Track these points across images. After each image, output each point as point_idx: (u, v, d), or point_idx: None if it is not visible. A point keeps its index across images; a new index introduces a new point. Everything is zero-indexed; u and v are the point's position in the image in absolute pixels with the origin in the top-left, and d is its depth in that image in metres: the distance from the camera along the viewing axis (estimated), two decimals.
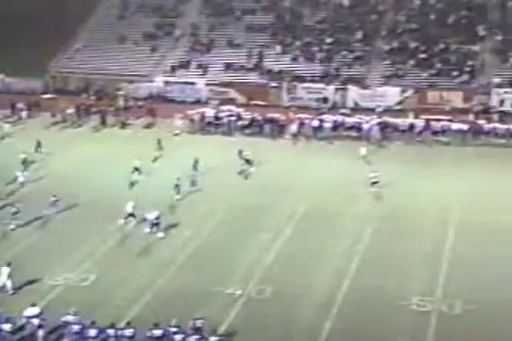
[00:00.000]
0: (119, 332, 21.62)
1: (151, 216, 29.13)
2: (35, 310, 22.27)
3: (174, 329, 21.65)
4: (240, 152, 37.17)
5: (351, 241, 29.18)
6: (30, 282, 25.19)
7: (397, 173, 35.66)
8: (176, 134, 43.74)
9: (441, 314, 23.68)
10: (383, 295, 24.77)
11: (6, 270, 24.56)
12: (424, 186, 34.77)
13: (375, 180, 33.52)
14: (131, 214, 29.68)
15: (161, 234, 29.12)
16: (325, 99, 47.42)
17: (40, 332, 21.94)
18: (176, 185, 32.82)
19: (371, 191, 33.44)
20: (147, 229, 29.06)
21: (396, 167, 37.17)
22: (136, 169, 35.47)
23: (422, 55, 49.24)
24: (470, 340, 22.29)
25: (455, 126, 42.43)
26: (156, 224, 29.01)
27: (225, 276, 26.27)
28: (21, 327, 22.05)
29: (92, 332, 21.53)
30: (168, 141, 41.02)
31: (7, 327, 21.56)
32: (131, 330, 21.68)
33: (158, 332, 21.61)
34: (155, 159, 38.27)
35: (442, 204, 32.60)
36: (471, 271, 26.33)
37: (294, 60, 50.82)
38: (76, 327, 21.72)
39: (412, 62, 49.05)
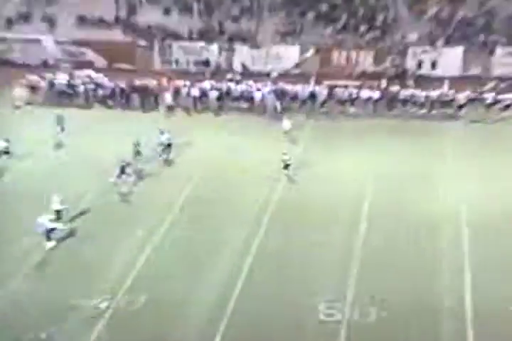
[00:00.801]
0: None
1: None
2: None
3: None
4: (162, 132, 36.39)
5: (245, 235, 29.44)
6: None
7: (300, 153, 35.92)
8: (17, 107, 42.95)
9: (352, 323, 24.37)
10: (283, 303, 25.18)
11: None
12: (332, 168, 35.17)
13: (288, 162, 33.90)
14: (58, 211, 29.39)
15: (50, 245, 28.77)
16: (206, 62, 47.41)
17: None
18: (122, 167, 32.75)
19: (285, 174, 33.91)
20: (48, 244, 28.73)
21: (299, 145, 37.60)
22: (6, 152, 35.09)
23: (324, 7, 49.87)
24: None
25: (365, 93, 42.75)
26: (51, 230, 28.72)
27: (88, 286, 26.22)
28: None
29: None
30: (10, 116, 40.69)
31: None
32: None
33: None
34: (58, 143, 37.80)
35: (353, 189, 33.10)
36: (386, 269, 27.12)
37: (167, 12, 50.52)
38: None
39: (311, 14, 49.57)
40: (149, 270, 27.32)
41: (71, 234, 29.43)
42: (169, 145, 36.03)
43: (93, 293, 25.80)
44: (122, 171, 32.56)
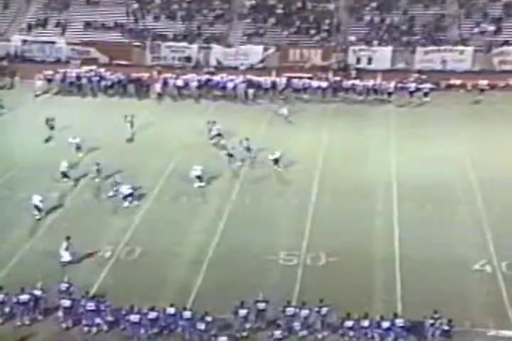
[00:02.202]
0: None
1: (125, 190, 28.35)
2: None
3: (40, 293, 21.31)
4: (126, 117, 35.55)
5: (220, 200, 29.05)
6: None
7: (264, 130, 35.92)
8: (37, 95, 42.19)
9: (306, 266, 24.16)
10: (252, 251, 24.87)
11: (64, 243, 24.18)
12: (289, 141, 34.73)
13: (275, 157, 31.56)
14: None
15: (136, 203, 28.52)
16: (188, 58, 46.70)
17: None
18: (230, 155, 31.61)
19: (276, 169, 31.79)
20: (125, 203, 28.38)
21: (263, 124, 37.45)
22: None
23: (280, 11, 49.28)
24: (333, 290, 22.51)
25: (315, 83, 42.59)
26: (131, 195, 28.37)
27: (94, 239, 25.76)
28: None
29: None
30: (31, 102, 40.16)
31: None
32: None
33: (24, 297, 21.14)
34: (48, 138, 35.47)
35: (306, 159, 32.80)
36: (333, 223, 26.81)
37: (156, 18, 49.67)
38: None
39: (272, 20, 48.96)
40: (143, 227, 26.92)
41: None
42: (219, 134, 34.40)
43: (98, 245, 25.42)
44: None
